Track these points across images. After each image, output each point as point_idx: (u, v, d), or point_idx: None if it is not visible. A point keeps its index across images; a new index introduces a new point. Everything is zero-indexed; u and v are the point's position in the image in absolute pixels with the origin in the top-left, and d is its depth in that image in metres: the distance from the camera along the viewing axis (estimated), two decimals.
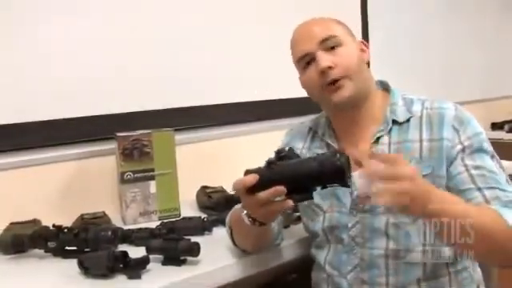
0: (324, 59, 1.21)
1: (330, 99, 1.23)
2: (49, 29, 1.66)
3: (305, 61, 1.25)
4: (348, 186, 1.07)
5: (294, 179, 1.05)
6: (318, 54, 1.22)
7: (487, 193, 1.12)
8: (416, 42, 3.02)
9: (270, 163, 1.07)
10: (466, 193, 1.14)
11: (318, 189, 1.09)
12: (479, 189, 1.13)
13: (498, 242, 1.04)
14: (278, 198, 1.06)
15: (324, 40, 1.22)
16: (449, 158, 1.17)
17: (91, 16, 1.75)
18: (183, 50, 1.97)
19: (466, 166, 1.16)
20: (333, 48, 1.22)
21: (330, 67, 1.20)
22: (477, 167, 1.15)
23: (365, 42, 1.31)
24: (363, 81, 1.24)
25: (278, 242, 1.34)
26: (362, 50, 1.28)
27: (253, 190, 1.06)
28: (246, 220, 1.14)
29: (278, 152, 1.09)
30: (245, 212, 1.14)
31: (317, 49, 1.22)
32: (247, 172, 1.09)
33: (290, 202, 1.05)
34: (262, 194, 1.05)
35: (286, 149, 1.11)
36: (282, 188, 1.03)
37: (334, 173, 1.03)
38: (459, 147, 1.17)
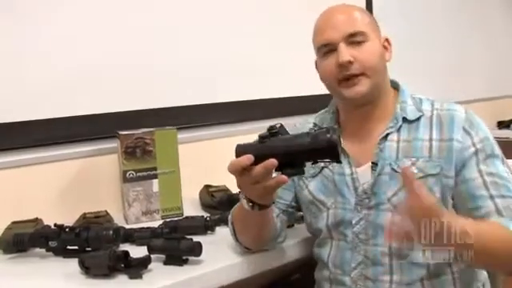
0: (345, 53, 1.20)
1: (343, 93, 1.23)
2: (50, 26, 1.65)
3: (326, 49, 1.24)
4: (340, 162, 1.09)
5: (286, 153, 1.06)
6: (340, 45, 1.21)
7: (499, 201, 1.13)
8: (422, 40, 3.00)
9: (262, 138, 1.08)
10: (479, 200, 1.15)
11: (309, 164, 1.11)
12: (491, 196, 1.14)
13: (506, 260, 1.08)
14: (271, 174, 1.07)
15: (351, 35, 1.21)
16: (461, 160, 1.17)
17: (93, 14, 1.74)
18: (186, 49, 1.96)
19: (480, 171, 1.17)
20: (358, 43, 1.21)
21: (350, 62, 1.20)
22: (490, 174, 1.16)
23: (389, 40, 1.29)
24: (380, 79, 1.24)
25: (280, 240, 1.34)
26: (385, 48, 1.27)
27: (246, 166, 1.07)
28: (246, 204, 1.14)
29: (270, 128, 1.09)
30: (244, 196, 1.15)
31: (341, 40, 1.21)
32: (238, 147, 1.09)
33: (284, 177, 1.06)
34: (255, 169, 1.05)
35: (278, 125, 1.10)
36: (273, 161, 1.03)
37: (327, 148, 1.05)
38: (472, 150, 1.18)
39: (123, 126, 1.68)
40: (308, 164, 1.12)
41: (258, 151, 1.06)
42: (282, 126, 1.11)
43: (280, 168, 1.05)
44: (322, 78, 1.28)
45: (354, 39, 1.21)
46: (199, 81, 2.00)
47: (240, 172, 1.07)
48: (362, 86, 1.21)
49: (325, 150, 1.04)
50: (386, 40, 1.29)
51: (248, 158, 1.05)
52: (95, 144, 1.74)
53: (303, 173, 1.10)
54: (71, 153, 1.69)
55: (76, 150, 1.70)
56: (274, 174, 1.08)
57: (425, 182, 1.17)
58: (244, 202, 1.15)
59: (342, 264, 1.25)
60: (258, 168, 1.05)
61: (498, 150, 1.21)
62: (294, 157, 1.07)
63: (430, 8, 3.10)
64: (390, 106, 1.27)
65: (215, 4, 2.04)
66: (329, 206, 1.27)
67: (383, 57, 1.25)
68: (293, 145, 1.06)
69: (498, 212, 1.12)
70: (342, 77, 1.21)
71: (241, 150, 1.08)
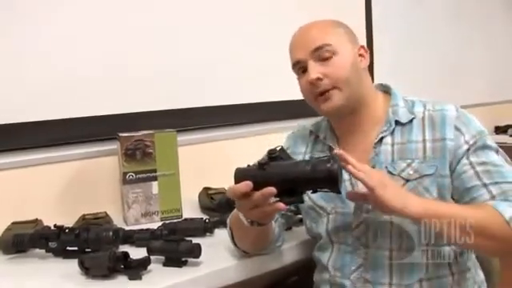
0: (314, 71, 1.22)
1: (320, 109, 1.26)
2: (50, 26, 1.66)
3: (298, 67, 1.27)
4: (339, 192, 1.08)
5: (285, 182, 1.05)
6: (309, 63, 1.23)
7: (493, 188, 1.13)
8: (420, 44, 3.01)
9: (261, 164, 1.07)
10: (472, 190, 1.15)
11: (309, 192, 1.11)
12: (485, 185, 1.14)
13: (496, 236, 1.07)
14: (270, 200, 1.07)
15: (317, 49, 1.23)
16: (455, 158, 1.18)
17: (93, 14, 1.75)
18: (186, 51, 1.97)
19: (471, 163, 1.17)
20: (326, 57, 1.22)
21: (319, 79, 1.22)
22: (481, 163, 1.16)
23: (365, 47, 1.31)
24: (357, 88, 1.25)
25: (278, 244, 1.34)
26: (361, 55, 1.29)
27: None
28: (245, 221, 1.15)
29: (270, 152, 1.10)
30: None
31: (309, 58, 1.23)
32: (238, 172, 1.09)
33: (282, 205, 1.06)
34: (253, 197, 1.05)
35: (278, 148, 1.11)
36: (272, 189, 1.04)
37: (326, 178, 1.04)
38: (465, 147, 1.18)
39: (123, 127, 1.69)
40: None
41: (257, 178, 1.05)
42: (282, 148, 1.12)
43: (279, 195, 1.05)
44: (304, 98, 1.30)
45: (321, 54, 1.22)
46: (199, 83, 2.00)
47: (239, 197, 1.08)
48: (336, 100, 1.23)
49: (325, 179, 1.04)
50: (362, 47, 1.30)
51: (246, 185, 1.05)
52: (95, 146, 1.74)
53: (302, 201, 1.11)
54: (71, 154, 1.69)
55: (76, 151, 1.71)
56: (274, 199, 1.07)
57: (421, 183, 1.18)
58: (243, 218, 1.15)
59: (342, 267, 1.25)
60: (257, 194, 1.05)
61: (491, 142, 1.21)
62: (293, 185, 1.06)
63: (429, 12, 3.11)
64: (381, 110, 1.28)
65: (214, 7, 2.05)
66: (329, 212, 1.28)
67: (357, 66, 1.26)
68: (292, 173, 1.06)
69: (493, 199, 1.12)
70: (315, 93, 1.24)
71: (240, 176, 1.08)
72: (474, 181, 1.15)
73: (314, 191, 1.10)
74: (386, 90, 1.33)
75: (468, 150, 1.18)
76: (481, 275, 1.31)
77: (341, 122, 1.30)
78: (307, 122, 1.42)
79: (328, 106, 1.23)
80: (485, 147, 1.19)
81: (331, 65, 1.22)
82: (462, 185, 1.17)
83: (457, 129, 1.20)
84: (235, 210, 1.25)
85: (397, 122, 1.24)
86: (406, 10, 2.94)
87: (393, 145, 1.23)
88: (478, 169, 1.16)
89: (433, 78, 3.06)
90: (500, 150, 1.22)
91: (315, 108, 1.29)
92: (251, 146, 2.09)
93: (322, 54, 1.22)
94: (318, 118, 1.40)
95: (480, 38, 3.52)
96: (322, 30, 1.25)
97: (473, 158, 1.17)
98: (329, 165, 1.04)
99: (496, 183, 1.14)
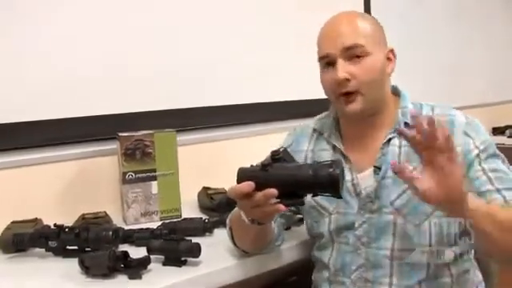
0: (342, 70, 1.19)
1: (342, 108, 1.24)
2: (50, 26, 1.66)
3: (324, 61, 1.24)
4: (340, 197, 1.09)
5: (286, 184, 1.06)
6: (338, 61, 1.20)
7: (506, 193, 1.15)
8: (420, 44, 3.01)
9: (264, 165, 1.08)
10: (487, 194, 1.16)
11: (310, 195, 1.12)
12: (498, 190, 1.16)
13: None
14: (271, 201, 1.07)
15: (349, 48, 1.20)
16: (465, 163, 1.19)
17: (93, 14, 1.75)
18: (186, 51, 1.97)
19: (483, 169, 1.19)
20: (357, 57, 1.20)
21: (346, 79, 1.20)
22: (493, 170, 1.18)
23: (393, 52, 1.29)
24: (378, 92, 1.25)
25: (278, 243, 1.35)
26: (389, 59, 1.28)
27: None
28: (246, 219, 1.16)
29: (273, 154, 1.10)
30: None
31: (339, 55, 1.20)
32: (240, 171, 1.10)
33: (282, 206, 1.07)
34: (255, 197, 1.06)
35: (281, 150, 1.11)
36: (273, 191, 1.04)
37: (328, 183, 1.05)
38: (475, 152, 1.20)
39: (123, 127, 1.69)
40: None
41: (259, 179, 1.06)
42: (285, 150, 1.12)
43: (280, 196, 1.06)
44: (324, 90, 1.28)
45: (353, 53, 1.20)
46: (199, 83, 2.00)
47: (240, 197, 1.09)
48: (358, 105, 1.22)
49: (326, 184, 1.05)
50: (391, 51, 1.28)
51: (249, 186, 1.06)
52: (95, 145, 1.75)
53: (303, 204, 1.12)
54: (71, 154, 1.69)
55: (76, 151, 1.71)
56: (274, 200, 1.08)
57: None
58: (244, 217, 1.16)
59: (343, 266, 1.26)
60: (259, 195, 1.06)
61: (498, 152, 1.23)
62: (294, 188, 1.07)
63: (429, 12, 3.11)
64: (392, 112, 1.28)
65: (215, 7, 2.05)
66: (331, 212, 1.28)
67: (384, 70, 1.25)
68: (294, 176, 1.07)
69: (507, 203, 1.14)
70: (339, 93, 1.22)
71: (242, 176, 1.08)
72: (487, 186, 1.17)
73: (315, 195, 1.10)
74: (394, 91, 1.32)
75: (478, 155, 1.19)
76: (479, 276, 1.31)
77: (355, 124, 1.29)
78: (309, 122, 1.42)
79: (351, 109, 1.22)
80: (494, 156, 1.21)
81: (361, 65, 1.20)
82: (475, 189, 1.18)
83: (466, 134, 1.21)
84: (235, 209, 1.26)
85: (405, 124, 1.24)
86: (406, 10, 2.94)
87: (400, 147, 1.23)
88: (490, 175, 1.18)
89: (433, 78, 3.06)
90: (505, 159, 1.24)
91: (335, 106, 1.28)
92: (251, 146, 2.09)
93: (353, 53, 1.20)
94: (322, 115, 1.40)
95: (480, 37, 3.52)
96: (356, 28, 1.22)
97: (485, 165, 1.19)
98: (331, 169, 1.05)
99: (509, 189, 1.16)
